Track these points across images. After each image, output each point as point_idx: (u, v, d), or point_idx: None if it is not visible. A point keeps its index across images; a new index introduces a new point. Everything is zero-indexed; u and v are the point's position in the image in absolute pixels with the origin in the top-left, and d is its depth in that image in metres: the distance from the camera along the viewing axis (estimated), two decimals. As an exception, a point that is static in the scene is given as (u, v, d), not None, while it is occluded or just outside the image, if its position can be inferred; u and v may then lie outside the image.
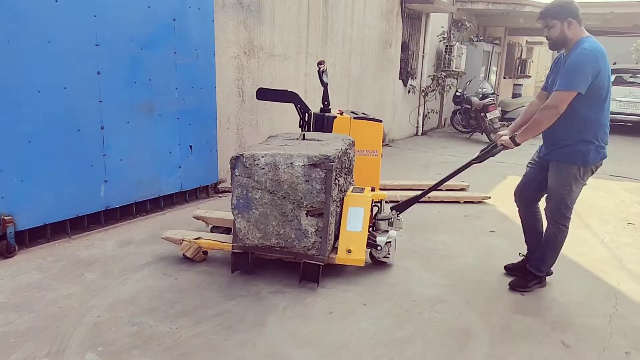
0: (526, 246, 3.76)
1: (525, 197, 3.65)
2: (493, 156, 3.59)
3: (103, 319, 2.95)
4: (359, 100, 8.69)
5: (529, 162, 3.65)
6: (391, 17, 9.48)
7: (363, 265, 3.57)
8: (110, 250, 4.00)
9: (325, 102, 5.62)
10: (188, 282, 3.49)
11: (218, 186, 5.75)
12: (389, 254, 3.80)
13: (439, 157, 8.83)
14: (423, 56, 10.90)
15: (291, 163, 3.34)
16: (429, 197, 5.81)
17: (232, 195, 3.48)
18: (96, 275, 3.53)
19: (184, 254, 3.77)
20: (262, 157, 3.38)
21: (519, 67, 19.36)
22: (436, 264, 4.00)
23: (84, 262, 3.75)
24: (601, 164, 3.38)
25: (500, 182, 7.01)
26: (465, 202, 5.88)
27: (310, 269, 3.47)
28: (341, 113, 5.60)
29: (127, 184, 4.60)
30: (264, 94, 5.64)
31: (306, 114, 5.66)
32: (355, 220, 3.54)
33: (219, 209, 5.14)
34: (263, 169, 3.38)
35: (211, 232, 4.15)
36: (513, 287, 3.59)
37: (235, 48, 5.87)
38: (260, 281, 3.52)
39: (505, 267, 3.88)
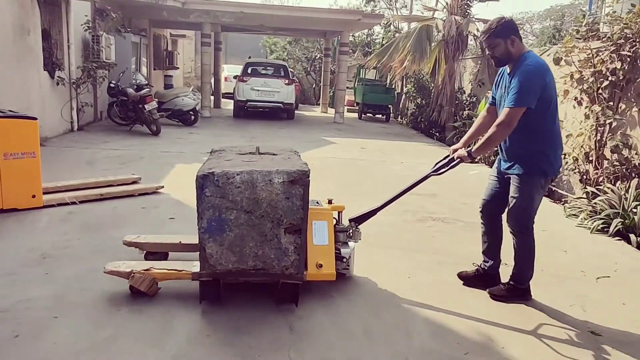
0: (483, 256, 3.86)
1: (491, 210, 3.75)
2: (452, 169, 3.68)
3: None
4: (-3, 96, 7.50)
5: (490, 176, 3.78)
6: (25, 1, 8.45)
7: (334, 279, 3.48)
8: None
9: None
10: None
11: None
12: (348, 266, 3.75)
13: (103, 151, 8.48)
14: (69, 46, 10.11)
15: (270, 180, 3.13)
16: (101, 195, 5.64)
17: (201, 219, 3.14)
18: None
19: (133, 288, 3.29)
20: (238, 174, 3.12)
21: (167, 59, 19.92)
22: (135, 257, 3.88)
23: None
24: (559, 172, 3.49)
25: (170, 171, 7.28)
26: (140, 194, 5.90)
27: (286, 290, 3.32)
28: (-18, 111, 4.83)
29: None
30: None
31: None
32: (320, 234, 3.49)
33: None
34: (239, 187, 3.12)
35: (145, 259, 3.77)
36: (494, 296, 3.66)
37: None
38: None
39: (460, 276, 3.93)
